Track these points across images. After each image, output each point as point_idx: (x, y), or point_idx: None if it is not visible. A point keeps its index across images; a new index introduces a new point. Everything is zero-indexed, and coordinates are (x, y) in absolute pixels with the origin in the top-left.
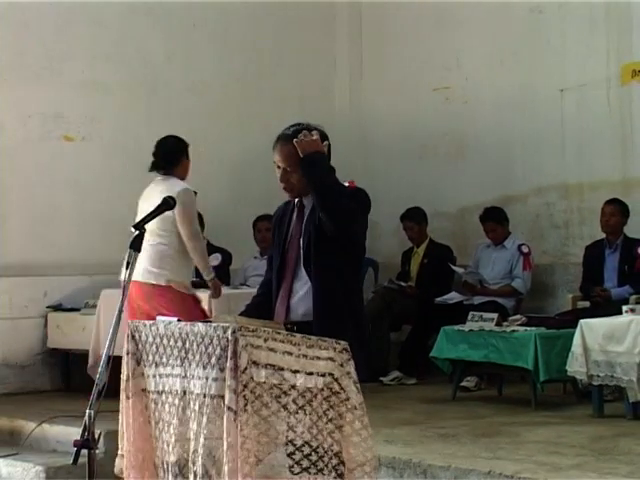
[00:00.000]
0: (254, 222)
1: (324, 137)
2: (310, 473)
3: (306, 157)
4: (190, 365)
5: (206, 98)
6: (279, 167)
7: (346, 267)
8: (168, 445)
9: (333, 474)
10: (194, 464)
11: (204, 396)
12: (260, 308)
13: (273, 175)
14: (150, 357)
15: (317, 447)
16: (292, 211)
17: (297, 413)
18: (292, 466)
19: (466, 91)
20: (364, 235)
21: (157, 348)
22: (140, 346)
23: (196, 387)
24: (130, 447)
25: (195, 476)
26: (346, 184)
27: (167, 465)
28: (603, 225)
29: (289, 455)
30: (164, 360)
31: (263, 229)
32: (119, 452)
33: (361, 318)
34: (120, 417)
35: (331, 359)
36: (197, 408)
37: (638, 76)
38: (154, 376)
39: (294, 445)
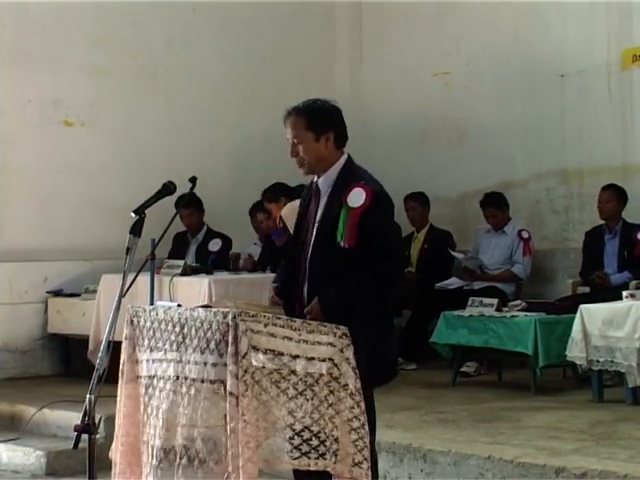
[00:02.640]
0: (250, 210)
1: (332, 116)
2: (310, 458)
3: (327, 314)
4: (187, 350)
5: (206, 83)
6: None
7: (353, 271)
8: (155, 429)
9: (334, 459)
10: (187, 449)
11: (202, 381)
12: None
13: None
14: (146, 342)
15: (319, 432)
16: (311, 197)
17: (297, 398)
18: (291, 450)
19: (466, 76)
20: (394, 243)
21: (154, 333)
22: (138, 331)
23: (192, 372)
24: (119, 431)
25: (189, 460)
26: (362, 194)
27: (152, 449)
28: (599, 211)
29: (289, 440)
30: (159, 345)
31: (259, 218)
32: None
33: (361, 323)
34: (117, 402)
35: (331, 344)
36: (192, 393)
37: (638, 61)
38: (147, 361)
39: (293, 430)
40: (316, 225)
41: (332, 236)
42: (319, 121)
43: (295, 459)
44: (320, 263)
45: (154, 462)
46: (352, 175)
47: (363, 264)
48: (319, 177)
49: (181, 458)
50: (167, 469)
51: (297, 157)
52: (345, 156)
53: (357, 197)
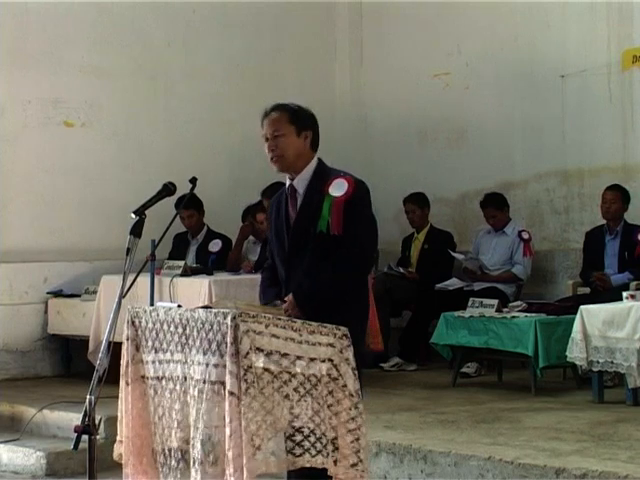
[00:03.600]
0: (242, 215)
1: (311, 118)
2: (312, 456)
3: (304, 310)
4: (190, 351)
5: (206, 83)
6: (267, 139)
7: (328, 261)
8: (170, 431)
9: (330, 461)
10: (199, 450)
11: (204, 382)
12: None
13: None
14: (150, 343)
15: (325, 432)
16: (287, 198)
17: (302, 398)
18: (293, 449)
19: (466, 77)
20: (374, 232)
21: (157, 334)
22: (140, 332)
23: (196, 373)
24: (129, 433)
25: (194, 462)
26: (345, 183)
27: (169, 451)
28: (604, 212)
29: (291, 439)
30: (164, 346)
31: (258, 218)
32: (118, 438)
33: (336, 314)
34: (119, 403)
35: (331, 345)
36: (196, 394)
37: (639, 62)
38: (153, 362)
39: (297, 430)
40: (292, 221)
41: (313, 226)
42: (301, 117)
43: (297, 457)
44: (298, 256)
45: (172, 463)
46: (328, 172)
47: (340, 253)
48: (293, 179)
49: (195, 459)
50: (184, 470)
51: (274, 151)
52: (316, 158)
53: (340, 186)
